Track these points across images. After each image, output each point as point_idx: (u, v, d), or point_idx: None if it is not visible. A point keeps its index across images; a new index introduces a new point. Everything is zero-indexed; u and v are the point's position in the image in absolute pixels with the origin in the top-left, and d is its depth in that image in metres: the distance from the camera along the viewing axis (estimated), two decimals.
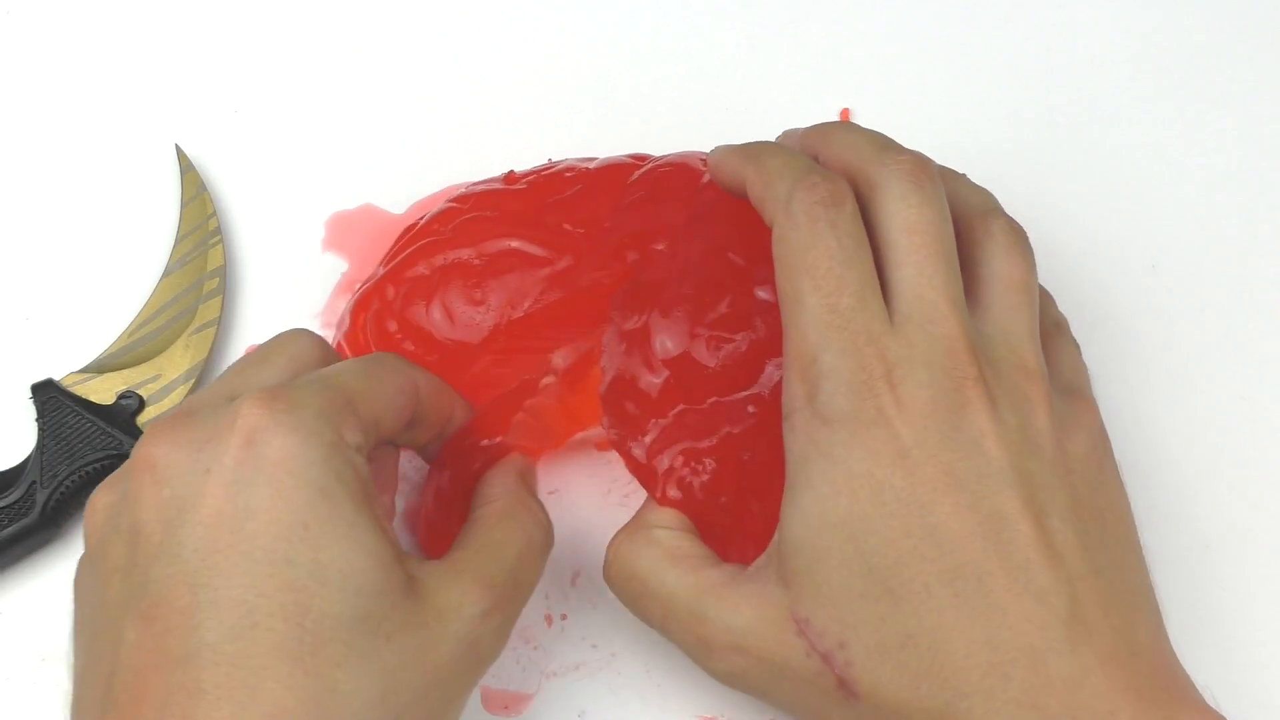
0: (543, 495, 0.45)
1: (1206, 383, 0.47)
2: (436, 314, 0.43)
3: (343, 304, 0.48)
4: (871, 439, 0.33)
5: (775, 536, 0.36)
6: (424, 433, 0.39)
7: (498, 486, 0.39)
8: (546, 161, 0.47)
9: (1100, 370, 0.47)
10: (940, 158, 0.51)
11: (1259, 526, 0.45)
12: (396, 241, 0.46)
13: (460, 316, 0.43)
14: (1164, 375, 0.47)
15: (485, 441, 0.41)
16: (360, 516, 0.32)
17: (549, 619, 0.43)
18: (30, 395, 0.45)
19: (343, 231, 0.50)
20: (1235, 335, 0.48)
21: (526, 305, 0.42)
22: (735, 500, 0.40)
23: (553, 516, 0.43)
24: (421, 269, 0.43)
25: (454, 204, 0.45)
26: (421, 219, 0.46)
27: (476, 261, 0.43)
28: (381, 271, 0.45)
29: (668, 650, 0.42)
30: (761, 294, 0.42)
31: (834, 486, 0.34)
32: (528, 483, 0.40)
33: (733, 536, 0.40)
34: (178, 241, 0.49)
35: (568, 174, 0.45)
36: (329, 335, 0.48)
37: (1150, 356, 0.47)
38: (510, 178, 0.46)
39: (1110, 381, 0.47)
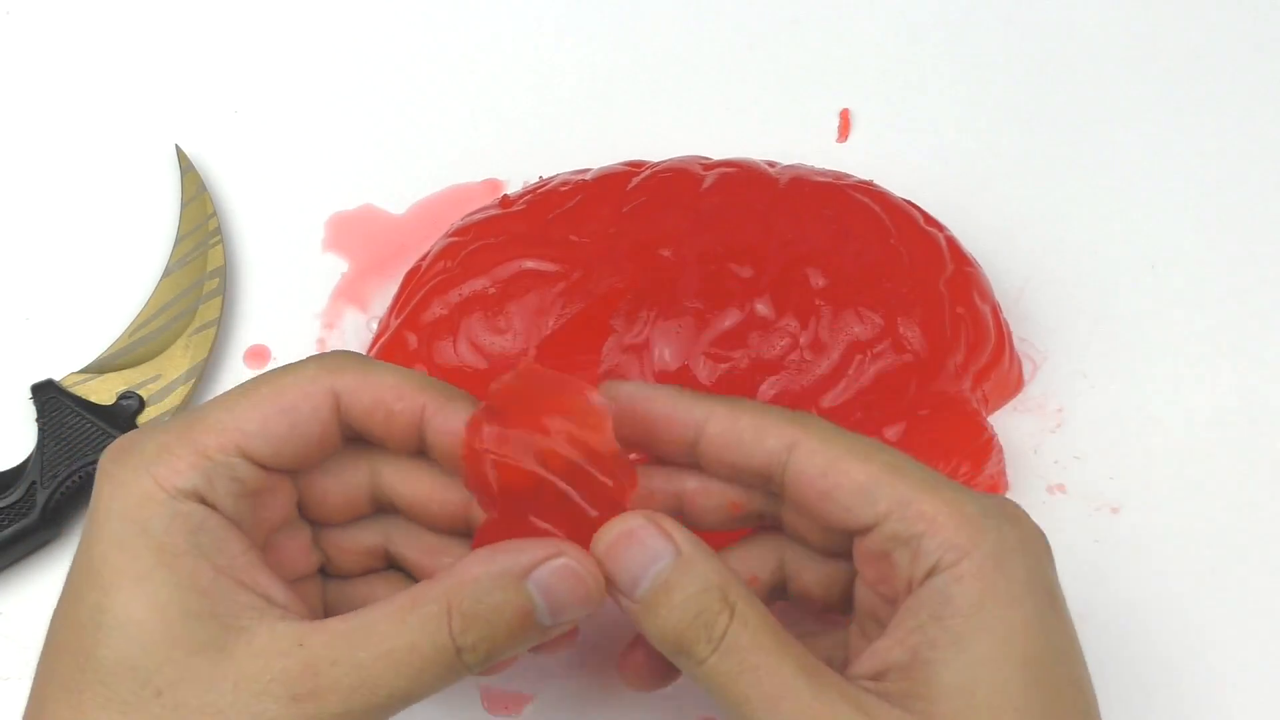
0: None
1: (1206, 383, 0.47)
2: (464, 350, 0.42)
3: (343, 304, 0.48)
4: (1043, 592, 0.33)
5: (919, 677, 0.32)
6: (393, 441, 0.35)
7: (467, 569, 0.32)
8: (538, 179, 0.47)
9: (1100, 370, 0.47)
10: (941, 157, 0.52)
11: (1259, 526, 0.45)
12: (402, 289, 0.45)
13: (488, 347, 0.42)
14: (1164, 375, 0.47)
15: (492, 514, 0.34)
16: (158, 570, 0.31)
17: None
18: (30, 395, 0.45)
19: (343, 232, 0.50)
20: (1235, 335, 0.48)
21: (552, 323, 0.42)
22: None
23: None
24: (437, 309, 0.43)
25: (454, 238, 0.45)
26: (424, 260, 0.45)
27: (492, 290, 0.43)
28: (396, 322, 0.44)
29: None
30: (761, 308, 0.42)
31: (1012, 630, 0.32)
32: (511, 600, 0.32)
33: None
34: (178, 241, 0.49)
35: (563, 188, 0.45)
36: (328, 335, 0.48)
37: (1150, 356, 0.47)
38: (505, 201, 0.45)
39: (1110, 380, 0.47)
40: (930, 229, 0.45)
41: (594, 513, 0.33)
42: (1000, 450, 0.43)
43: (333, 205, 0.50)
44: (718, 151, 0.47)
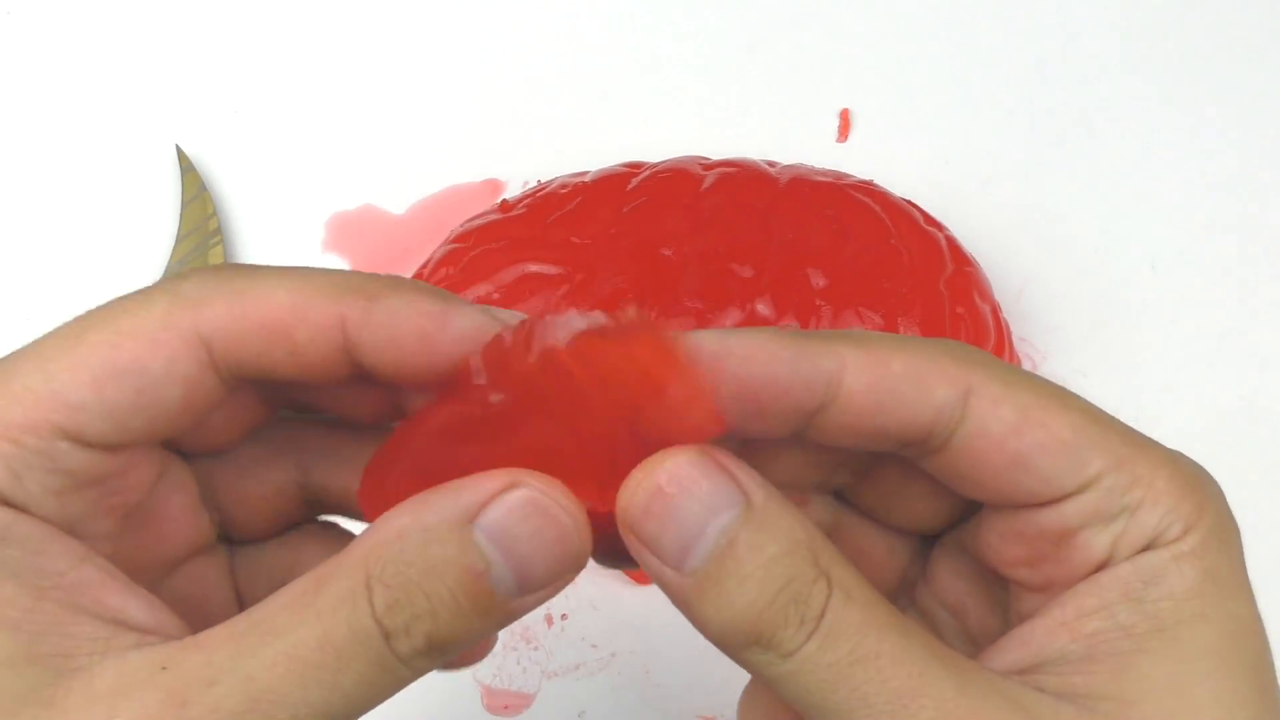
0: None
1: (1206, 383, 0.47)
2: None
3: None
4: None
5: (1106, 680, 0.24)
6: (310, 378, 0.24)
7: (388, 523, 0.23)
8: (536, 183, 0.47)
9: (1100, 369, 0.47)
10: (941, 157, 0.52)
11: (1259, 526, 0.45)
12: None
13: None
14: (1164, 375, 0.47)
15: (494, 397, 0.23)
16: None
17: (549, 619, 0.43)
18: None
19: (343, 232, 0.50)
20: (1235, 335, 0.48)
21: None
22: None
23: None
24: None
25: (455, 244, 0.45)
26: (426, 267, 0.45)
27: (496, 295, 0.43)
28: None
29: (668, 650, 0.42)
30: (762, 308, 0.42)
31: (1239, 623, 0.25)
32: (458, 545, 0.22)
33: None
34: (178, 241, 0.49)
35: (562, 190, 0.45)
36: None
37: (1150, 356, 0.47)
38: (505, 206, 0.45)
39: (1110, 381, 0.47)
40: (930, 229, 0.45)
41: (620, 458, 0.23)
42: None
43: (333, 205, 0.50)
44: (718, 151, 0.47)
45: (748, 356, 0.24)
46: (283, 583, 0.23)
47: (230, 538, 0.27)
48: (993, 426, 0.24)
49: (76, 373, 0.23)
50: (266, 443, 0.26)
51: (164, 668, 0.22)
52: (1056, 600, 0.25)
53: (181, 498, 0.26)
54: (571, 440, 0.23)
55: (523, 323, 0.24)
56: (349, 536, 0.26)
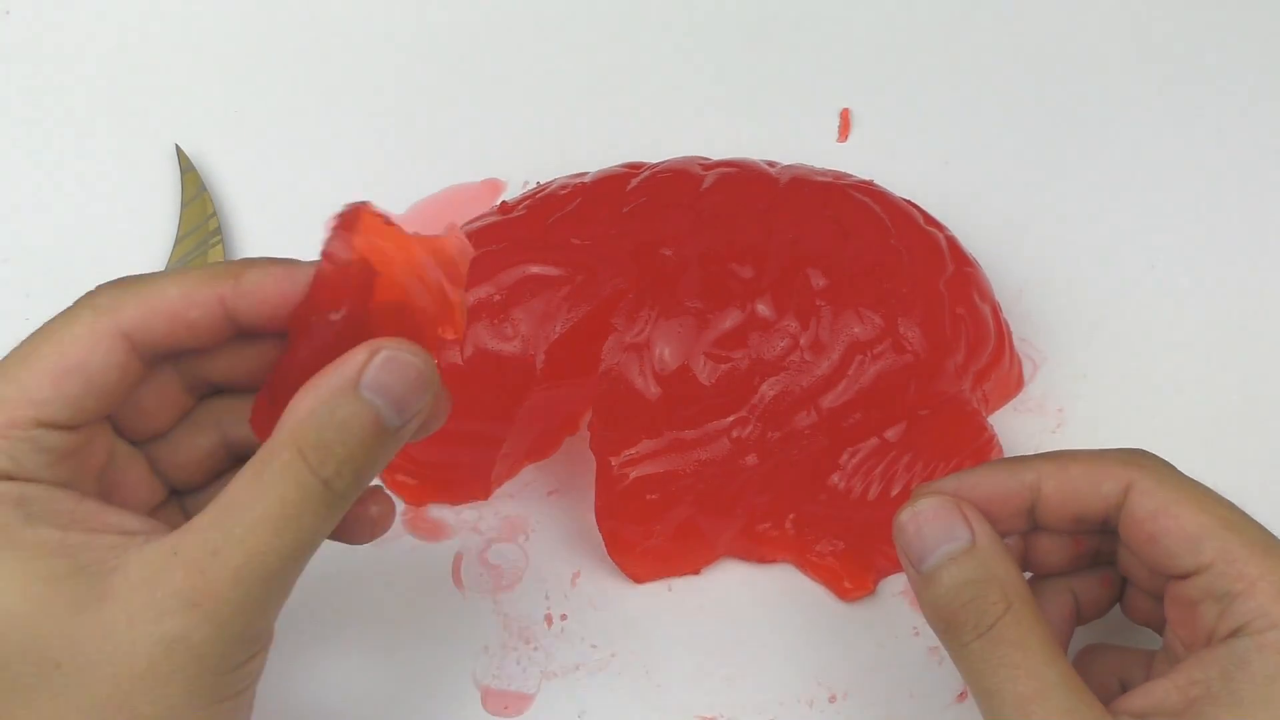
0: (542, 495, 0.45)
1: (1206, 383, 0.47)
2: (471, 357, 0.42)
3: None
4: None
5: None
6: (210, 344, 0.33)
7: (297, 407, 0.31)
8: (535, 184, 0.47)
9: (1100, 370, 0.47)
10: (941, 157, 0.52)
11: None
12: None
13: (496, 353, 0.42)
14: (1164, 375, 0.47)
15: (334, 314, 0.32)
16: (2, 553, 0.30)
17: (549, 619, 0.43)
18: None
19: None
20: (1235, 335, 0.48)
21: (559, 327, 0.42)
22: (686, 519, 0.42)
23: (552, 516, 0.43)
24: None
25: None
26: None
27: (497, 297, 0.42)
28: None
29: (667, 650, 0.42)
30: (762, 309, 0.42)
31: None
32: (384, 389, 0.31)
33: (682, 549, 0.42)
34: (178, 241, 0.49)
35: (562, 191, 0.45)
36: None
37: (1150, 356, 0.47)
38: (504, 207, 0.45)
39: (1110, 381, 0.47)
40: (930, 229, 0.45)
41: (429, 338, 0.32)
42: (1000, 450, 0.43)
43: (333, 205, 0.50)
44: (718, 151, 0.47)
45: (978, 484, 0.36)
46: None
47: (180, 491, 0.36)
48: (1138, 511, 0.34)
49: (39, 378, 0.31)
50: (194, 422, 0.35)
51: (175, 551, 0.30)
52: (1179, 668, 0.33)
53: (136, 471, 0.34)
54: (397, 305, 0.32)
55: (318, 269, 0.32)
56: None
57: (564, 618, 0.43)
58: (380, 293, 0.32)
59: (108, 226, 0.50)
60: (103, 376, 0.32)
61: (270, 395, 0.32)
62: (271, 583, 0.31)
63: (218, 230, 0.49)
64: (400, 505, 0.44)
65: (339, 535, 0.34)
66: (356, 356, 0.31)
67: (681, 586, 0.43)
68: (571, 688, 0.41)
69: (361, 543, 0.36)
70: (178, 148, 0.51)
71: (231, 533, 0.30)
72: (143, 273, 0.33)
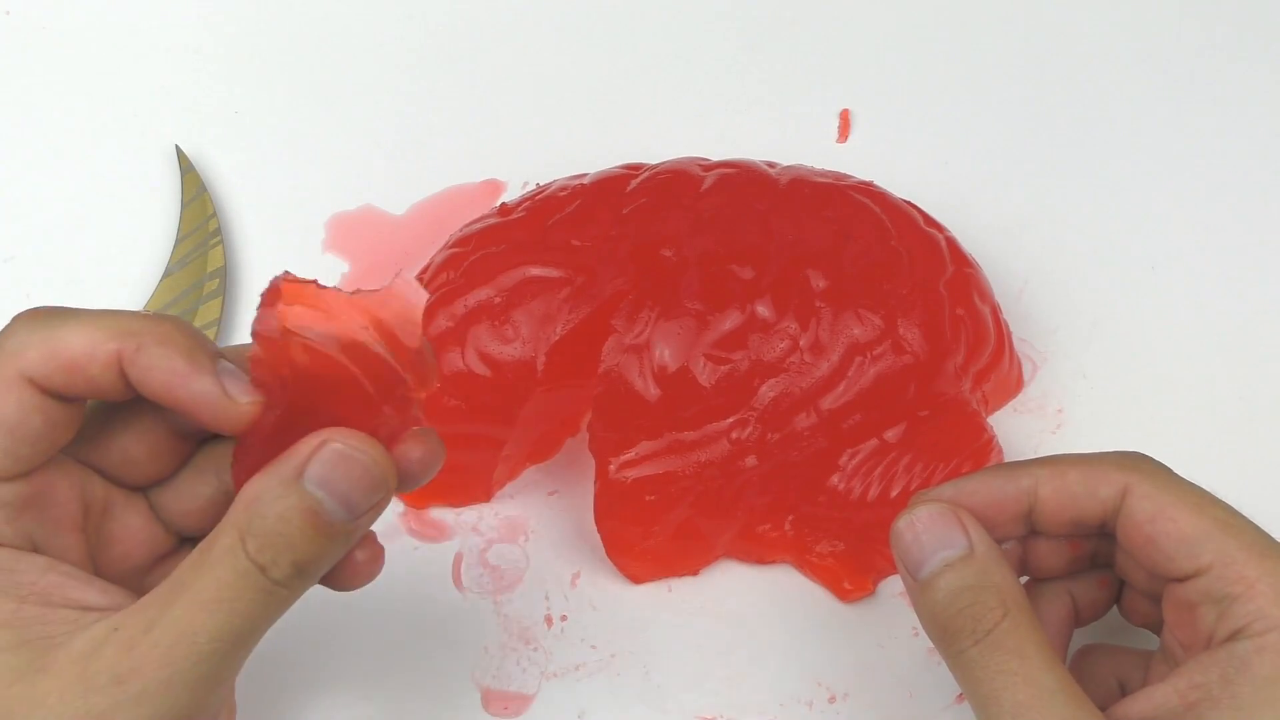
0: (542, 496, 0.45)
1: (1206, 383, 0.47)
2: (472, 360, 0.42)
3: None
4: None
5: None
6: (116, 397, 0.32)
7: (246, 492, 0.31)
8: (534, 186, 0.47)
9: (1100, 370, 0.47)
10: (941, 157, 0.52)
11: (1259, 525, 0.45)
12: None
13: (497, 356, 0.42)
14: (1164, 375, 0.47)
15: (276, 388, 0.31)
16: None
17: (549, 620, 0.43)
18: None
19: (343, 232, 0.50)
20: (1235, 335, 0.48)
21: (559, 329, 0.42)
22: (685, 520, 0.42)
23: (552, 517, 0.43)
24: (443, 321, 0.43)
25: (455, 249, 0.45)
26: (426, 271, 0.45)
27: (498, 299, 0.42)
28: None
29: (667, 650, 0.42)
30: (762, 310, 0.42)
31: None
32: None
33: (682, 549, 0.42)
34: (178, 242, 0.49)
35: (561, 193, 0.45)
36: None
37: (1150, 356, 0.47)
38: (504, 209, 0.45)
39: (1110, 380, 0.47)
40: (930, 229, 0.45)
41: (387, 409, 0.31)
42: (1000, 451, 0.43)
43: (333, 205, 0.50)
44: (718, 152, 0.47)
45: (976, 490, 0.36)
46: None
47: (194, 538, 0.34)
48: (1136, 514, 0.34)
49: None
50: (196, 467, 0.34)
51: (116, 629, 0.30)
52: (1178, 672, 0.34)
53: (136, 520, 0.34)
54: (349, 399, 0.31)
55: (252, 351, 0.31)
56: None
57: (564, 618, 0.43)
58: (315, 362, 0.31)
59: (108, 226, 0.50)
60: (23, 423, 0.31)
61: (239, 457, 0.32)
62: (202, 664, 0.30)
63: (218, 231, 0.49)
64: (400, 506, 0.44)
65: (325, 582, 0.33)
66: (303, 448, 0.31)
67: (681, 587, 0.43)
68: (571, 688, 0.41)
69: (347, 589, 0.34)
70: (178, 148, 0.51)
71: (167, 612, 0.30)
72: (65, 307, 0.32)
